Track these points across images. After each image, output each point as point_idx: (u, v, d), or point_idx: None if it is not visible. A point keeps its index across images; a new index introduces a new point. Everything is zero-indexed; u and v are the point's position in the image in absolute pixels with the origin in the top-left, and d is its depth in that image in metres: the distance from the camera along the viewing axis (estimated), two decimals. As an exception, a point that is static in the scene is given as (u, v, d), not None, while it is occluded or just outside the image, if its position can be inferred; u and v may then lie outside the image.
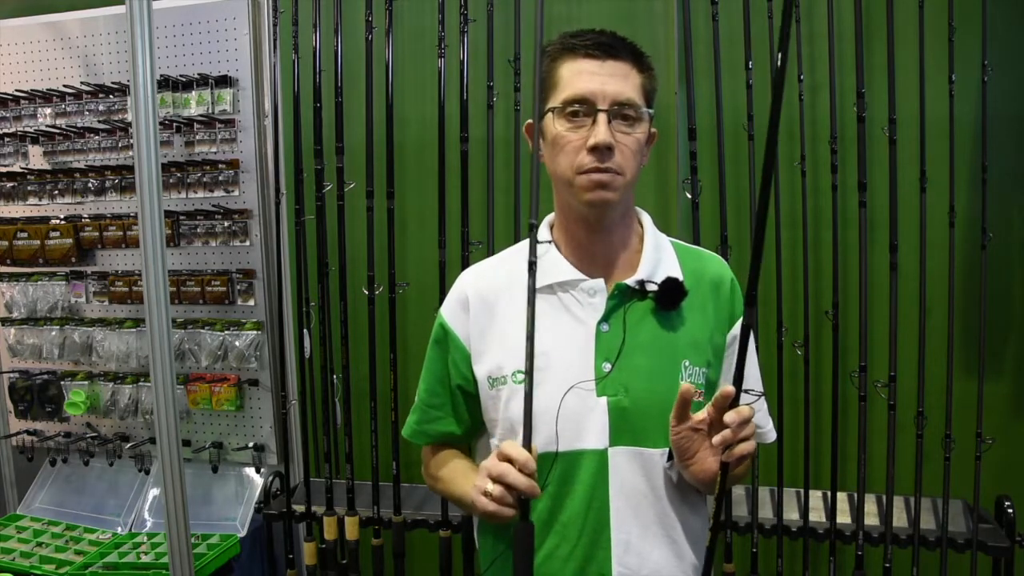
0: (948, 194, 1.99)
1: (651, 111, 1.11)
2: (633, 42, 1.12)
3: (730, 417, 0.96)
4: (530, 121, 1.15)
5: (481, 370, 1.17)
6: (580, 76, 1.07)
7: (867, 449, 2.03)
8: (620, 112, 1.07)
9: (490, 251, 2.18)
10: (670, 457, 1.11)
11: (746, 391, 0.98)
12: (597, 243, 1.15)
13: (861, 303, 2.03)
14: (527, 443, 0.99)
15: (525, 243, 1.22)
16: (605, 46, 1.08)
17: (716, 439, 0.97)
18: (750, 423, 0.98)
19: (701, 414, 1.02)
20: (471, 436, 1.28)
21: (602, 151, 1.05)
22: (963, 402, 2.02)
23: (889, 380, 2.00)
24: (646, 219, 1.22)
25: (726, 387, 0.97)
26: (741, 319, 1.17)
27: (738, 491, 2.16)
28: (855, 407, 2.05)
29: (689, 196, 2.05)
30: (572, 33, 1.12)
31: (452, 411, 1.24)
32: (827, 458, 2.09)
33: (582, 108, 1.07)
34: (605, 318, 1.12)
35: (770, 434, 1.28)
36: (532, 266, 1.04)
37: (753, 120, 2.05)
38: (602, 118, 1.05)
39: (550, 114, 1.10)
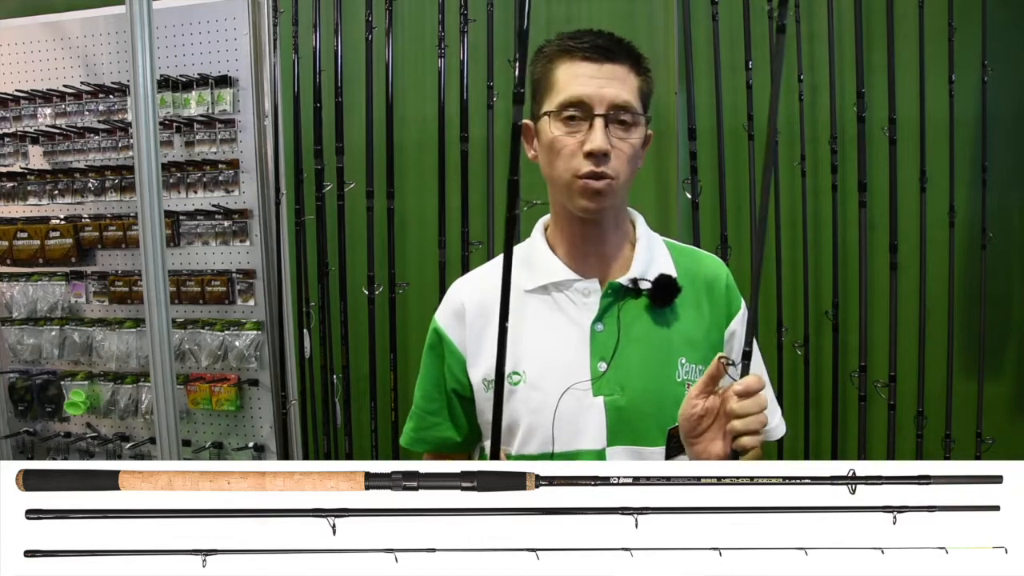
0: (948, 194, 1.99)
1: (648, 115, 1.10)
2: (631, 43, 1.10)
3: (738, 388, 0.94)
4: (526, 121, 1.14)
5: (477, 374, 1.16)
6: (577, 79, 1.06)
7: (867, 449, 2.03)
8: (617, 117, 1.05)
9: (490, 251, 2.18)
10: (668, 454, 1.10)
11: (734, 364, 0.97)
12: (591, 244, 1.15)
13: (861, 303, 2.03)
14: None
15: (514, 248, 1.23)
16: (603, 49, 1.06)
17: (730, 409, 0.95)
18: (761, 399, 0.95)
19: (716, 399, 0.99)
20: (471, 444, 1.26)
21: (598, 156, 1.04)
22: (963, 402, 2.02)
23: (889, 380, 2.00)
24: (639, 219, 1.22)
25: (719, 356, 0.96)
26: (739, 314, 1.17)
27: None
28: (855, 407, 2.05)
29: (689, 196, 2.05)
30: (570, 34, 1.09)
31: (449, 416, 1.22)
32: (827, 458, 2.08)
33: (579, 112, 1.05)
34: (599, 318, 1.12)
35: (778, 429, 1.24)
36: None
37: (753, 120, 2.05)
38: (599, 123, 1.04)
39: (546, 117, 1.08)
